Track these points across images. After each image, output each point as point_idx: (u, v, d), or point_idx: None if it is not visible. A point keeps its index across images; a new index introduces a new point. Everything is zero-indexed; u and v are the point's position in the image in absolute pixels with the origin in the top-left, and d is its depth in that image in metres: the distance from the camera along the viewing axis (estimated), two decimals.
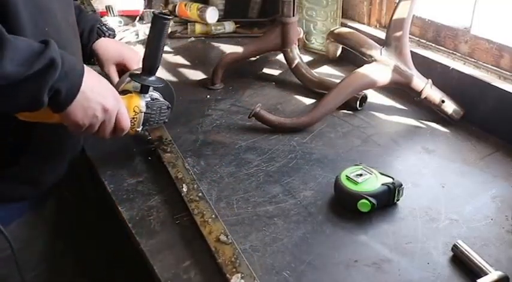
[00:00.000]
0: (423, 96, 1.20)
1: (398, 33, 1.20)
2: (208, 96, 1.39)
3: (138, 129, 0.96)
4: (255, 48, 1.49)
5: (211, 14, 1.80)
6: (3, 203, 0.89)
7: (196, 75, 1.54)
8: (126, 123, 0.89)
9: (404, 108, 1.30)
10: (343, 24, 1.55)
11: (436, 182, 1.00)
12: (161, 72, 1.21)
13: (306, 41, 1.66)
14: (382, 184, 0.91)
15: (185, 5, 1.85)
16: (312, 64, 1.57)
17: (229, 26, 1.85)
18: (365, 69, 1.22)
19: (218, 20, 1.84)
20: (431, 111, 1.24)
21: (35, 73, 0.69)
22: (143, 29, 1.78)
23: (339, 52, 1.55)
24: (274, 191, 0.99)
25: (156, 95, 1.00)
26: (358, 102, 1.27)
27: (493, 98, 1.15)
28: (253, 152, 1.12)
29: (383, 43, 1.24)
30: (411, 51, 1.22)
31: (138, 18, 1.84)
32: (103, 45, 1.13)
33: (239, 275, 0.76)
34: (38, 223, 1.00)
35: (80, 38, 1.03)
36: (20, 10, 0.76)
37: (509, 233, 0.86)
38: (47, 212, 1.02)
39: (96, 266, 1.21)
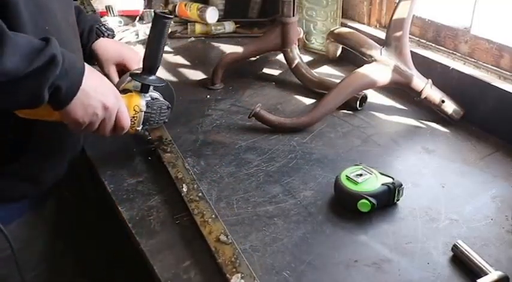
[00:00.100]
0: (423, 96, 1.20)
1: (398, 33, 1.20)
2: (208, 96, 1.39)
3: (138, 128, 0.96)
4: (255, 48, 1.49)
5: (211, 14, 1.80)
6: (3, 203, 0.89)
7: (196, 75, 1.54)
8: (126, 122, 0.89)
9: (404, 108, 1.30)
10: (343, 24, 1.55)
11: (436, 182, 1.00)
12: (161, 72, 1.21)
13: (306, 41, 1.66)
14: (382, 184, 0.91)
15: (185, 5, 1.85)
16: (312, 64, 1.57)
17: (229, 26, 1.85)
18: (365, 69, 1.22)
19: (218, 20, 1.84)
20: (431, 111, 1.24)
21: (35, 70, 0.69)
22: (143, 29, 1.78)
23: (339, 52, 1.55)
24: (274, 191, 0.99)
25: (156, 94, 1.00)
26: (358, 102, 1.27)
27: (493, 98, 1.15)
28: (253, 152, 1.12)
29: (383, 43, 1.24)
30: (411, 51, 1.22)
31: (138, 18, 1.84)
32: (102, 45, 1.13)
33: (239, 275, 0.76)
34: (38, 223, 1.00)
35: (80, 38, 1.03)
36: (21, 10, 0.76)
37: (509, 233, 0.86)
38: (47, 212, 1.02)
39: (96, 266, 1.21)
